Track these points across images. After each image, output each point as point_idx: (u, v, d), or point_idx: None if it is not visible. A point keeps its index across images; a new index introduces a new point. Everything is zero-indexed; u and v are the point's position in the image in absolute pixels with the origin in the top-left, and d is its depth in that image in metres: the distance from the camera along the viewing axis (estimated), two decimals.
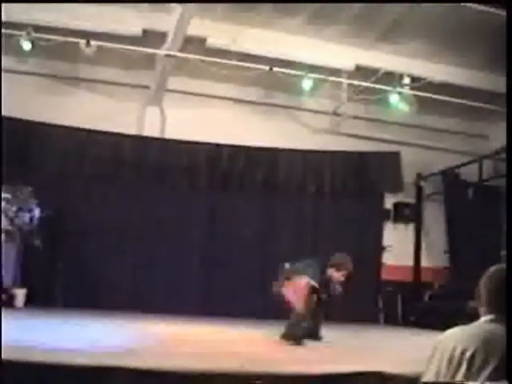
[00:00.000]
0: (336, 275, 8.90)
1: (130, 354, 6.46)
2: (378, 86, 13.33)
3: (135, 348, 7.07)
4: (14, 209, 12.44)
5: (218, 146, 14.51)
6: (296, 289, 8.54)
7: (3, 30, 11.87)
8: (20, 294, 12.22)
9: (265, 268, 14.46)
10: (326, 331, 9.15)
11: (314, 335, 8.95)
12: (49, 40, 12.19)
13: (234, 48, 12.77)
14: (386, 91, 13.35)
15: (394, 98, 13.35)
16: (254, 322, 11.73)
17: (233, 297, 13.65)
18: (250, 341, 8.91)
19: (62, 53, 12.98)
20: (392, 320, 14.45)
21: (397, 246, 15.15)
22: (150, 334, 8.77)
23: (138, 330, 9.00)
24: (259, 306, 13.51)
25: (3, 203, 12.56)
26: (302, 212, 14.81)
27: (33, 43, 12.16)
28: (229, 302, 13.51)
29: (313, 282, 8.54)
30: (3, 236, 12.58)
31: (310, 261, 8.93)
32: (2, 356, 4.96)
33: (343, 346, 8.85)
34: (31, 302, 12.20)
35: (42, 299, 12.34)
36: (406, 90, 13.37)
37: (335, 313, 10.33)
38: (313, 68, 13.11)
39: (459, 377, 2.79)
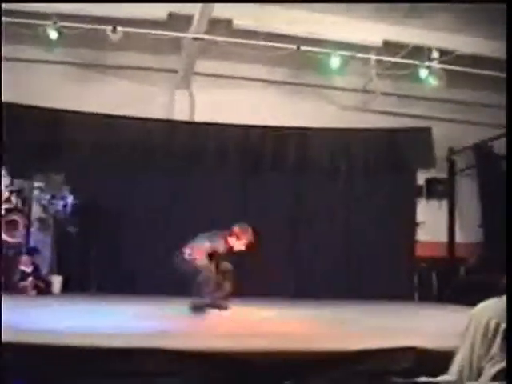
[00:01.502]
0: (237, 244, 9.35)
1: (166, 336, 6.51)
2: (406, 61, 13.19)
3: (170, 330, 7.12)
4: (48, 197, 12.59)
5: (247, 127, 14.47)
6: (196, 250, 9.24)
7: (29, 21, 11.98)
8: (56, 280, 12.39)
9: (298, 248, 14.52)
10: (359, 308, 9.15)
11: (219, 305, 9.29)
12: (75, 28, 12.25)
13: (260, 28, 12.72)
14: (415, 66, 13.22)
15: (423, 73, 13.23)
16: (286, 302, 11.73)
17: (265, 278, 13.64)
18: (283, 320, 8.92)
19: (88, 40, 13.01)
20: (427, 296, 14.37)
21: (430, 222, 15.04)
22: (184, 317, 8.80)
23: (173, 313, 9.03)
24: (291, 286, 13.56)
25: (37, 192, 12.72)
26: (333, 191, 14.71)
27: (59, 32, 12.23)
28: (260, 283, 13.50)
29: (211, 245, 9.25)
30: (38, 224, 12.75)
31: (214, 231, 9.53)
32: (41, 341, 5.05)
33: (377, 323, 8.82)
34: (67, 288, 12.35)
35: (78, 285, 12.48)
36: (435, 64, 13.22)
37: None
38: (341, 45, 13.01)
39: (494, 349, 2.77)
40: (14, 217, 12.00)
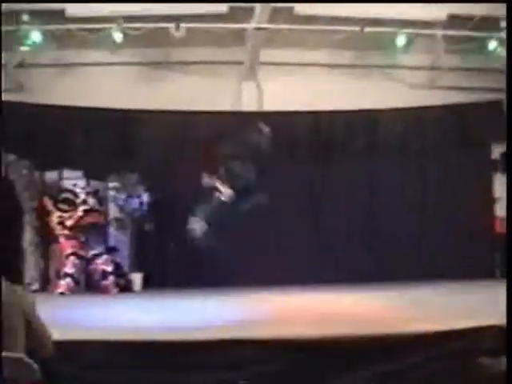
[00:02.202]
0: None
1: (248, 326, 6.55)
2: (474, 34, 12.91)
3: (252, 320, 7.16)
4: (123, 196, 12.81)
5: (316, 113, 14.40)
6: None
7: (94, 26, 12.24)
8: (137, 278, 12.61)
9: (374, 230, 14.42)
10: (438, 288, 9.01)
11: None
12: (138, 29, 12.43)
13: (322, 13, 12.63)
14: (483, 38, 12.93)
15: (492, 45, 12.94)
16: (364, 286, 11.67)
17: (342, 263, 13.62)
18: (363, 305, 8.86)
19: (152, 40, 13.17)
20: None
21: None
22: (264, 306, 8.84)
23: (253, 303, 9.08)
24: (369, 269, 13.47)
25: (112, 192, 12.95)
26: (407, 171, 14.52)
27: (124, 34, 12.43)
28: (339, 267, 13.48)
29: None
30: (115, 224, 12.99)
31: None
32: (126, 338, 5.18)
33: (458, 303, 8.69)
34: (148, 284, 12.55)
35: (158, 281, 12.65)
36: (505, 35, 12.89)
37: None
38: (405, 23, 12.83)
39: None
40: (93, 218, 12.22)
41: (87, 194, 12.25)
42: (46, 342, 3.11)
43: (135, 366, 5.07)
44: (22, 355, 2.71)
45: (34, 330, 3.00)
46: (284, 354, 5.15)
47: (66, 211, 12.03)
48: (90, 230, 12.34)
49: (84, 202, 12.16)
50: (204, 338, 5.31)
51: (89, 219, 12.13)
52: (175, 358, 5.12)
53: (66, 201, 12.13)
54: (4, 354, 2.67)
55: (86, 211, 12.12)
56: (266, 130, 10.68)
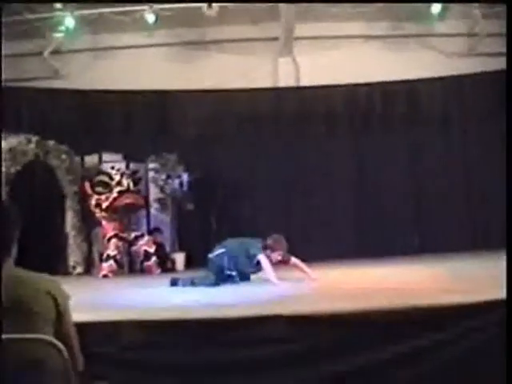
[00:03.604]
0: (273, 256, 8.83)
1: (285, 301, 6.54)
2: None
3: (291, 295, 7.15)
4: (163, 177, 12.87)
5: (354, 86, 14.27)
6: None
7: (126, 8, 12.25)
8: (179, 257, 12.68)
9: (417, 203, 14.29)
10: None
11: None
12: (171, 9, 12.42)
13: None
14: None
15: None
16: (409, 259, 11.57)
17: (386, 235, 13.55)
18: (404, 277, 8.78)
19: (185, 20, 13.18)
20: None
21: None
22: (303, 279, 8.81)
23: (292, 277, 9.05)
24: (413, 242, 13.38)
25: (152, 173, 13.02)
26: (449, 141, 14.32)
27: (156, 15, 12.43)
28: (382, 241, 13.42)
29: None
30: (157, 205, 13.06)
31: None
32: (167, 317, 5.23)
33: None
34: (190, 264, 12.60)
35: (200, 260, 12.67)
36: None
37: None
38: None
39: None
40: (128, 198, 12.23)
41: (122, 175, 12.24)
42: (75, 345, 3.08)
43: (174, 344, 5.10)
44: (46, 336, 2.71)
45: (64, 328, 2.99)
46: (322, 329, 5.13)
47: (101, 193, 12.10)
48: (127, 212, 12.39)
49: (118, 183, 12.17)
50: (243, 315, 5.31)
51: (124, 200, 12.15)
52: (214, 336, 5.13)
53: (101, 183, 12.18)
54: (25, 335, 2.69)
55: (120, 192, 12.12)
56: None
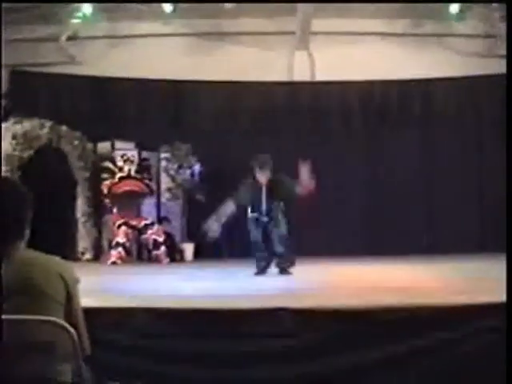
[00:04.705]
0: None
1: (293, 295, 6.55)
2: None
3: (299, 289, 7.16)
4: (175, 167, 12.89)
5: (370, 82, 14.26)
6: None
7: None
8: (189, 248, 12.70)
9: (429, 202, 14.25)
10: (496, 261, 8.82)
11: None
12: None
13: None
14: None
15: None
16: (418, 258, 11.54)
17: (396, 234, 13.52)
18: (413, 276, 8.77)
19: (203, 10, 13.17)
20: None
21: None
22: (312, 275, 8.82)
23: (303, 273, 9.06)
24: (423, 241, 13.36)
25: (164, 162, 13.03)
26: (463, 142, 14.27)
27: (174, 5, 12.43)
28: (393, 239, 13.40)
29: None
30: (167, 194, 13.07)
31: None
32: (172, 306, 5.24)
33: None
34: (199, 254, 12.62)
35: (209, 251, 12.68)
36: None
37: None
38: None
39: None
40: (128, 184, 12.28)
41: (124, 161, 12.26)
42: (83, 328, 3.08)
43: (183, 334, 5.11)
44: (57, 319, 2.72)
45: (73, 311, 2.99)
46: (329, 324, 5.13)
47: (106, 179, 12.15)
48: (129, 199, 12.36)
49: (120, 169, 12.22)
50: (251, 307, 5.32)
51: (123, 187, 12.17)
52: (222, 327, 5.14)
53: (106, 169, 12.23)
54: (36, 317, 2.70)
55: (120, 178, 12.16)
56: None
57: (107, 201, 12.23)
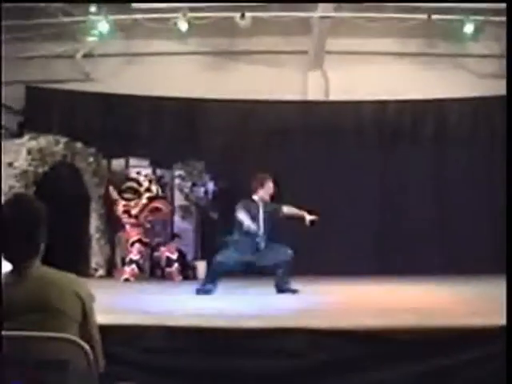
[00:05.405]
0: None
1: (306, 315, 6.53)
2: None
3: (312, 309, 7.14)
4: (189, 184, 12.93)
5: (383, 102, 14.27)
6: None
7: (160, 15, 12.34)
8: (201, 265, 12.67)
9: (442, 222, 14.19)
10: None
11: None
12: (204, 18, 12.50)
13: (388, 1, 12.48)
14: None
15: None
16: (433, 278, 11.48)
17: (409, 254, 13.47)
18: (428, 296, 8.74)
19: (218, 29, 13.27)
20: None
21: None
22: (325, 295, 8.80)
23: (314, 292, 9.04)
24: (437, 261, 13.29)
25: (178, 180, 13.07)
26: (477, 162, 14.23)
27: (189, 23, 12.52)
28: (406, 258, 13.35)
29: None
30: (180, 211, 13.10)
31: None
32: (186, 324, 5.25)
33: None
34: None
35: None
36: None
37: None
38: (473, 10, 12.57)
39: None
40: (158, 204, 12.32)
41: (150, 181, 12.34)
42: (98, 346, 3.09)
43: (194, 351, 5.11)
44: (72, 336, 2.73)
45: (88, 328, 3.00)
46: (342, 344, 5.11)
47: (130, 200, 12.17)
48: (156, 217, 12.46)
49: (147, 189, 12.27)
50: (263, 326, 5.31)
51: (154, 206, 12.23)
52: (233, 345, 5.13)
53: (130, 190, 12.26)
54: (51, 334, 2.70)
55: (149, 198, 12.22)
56: None
57: (133, 221, 12.24)
